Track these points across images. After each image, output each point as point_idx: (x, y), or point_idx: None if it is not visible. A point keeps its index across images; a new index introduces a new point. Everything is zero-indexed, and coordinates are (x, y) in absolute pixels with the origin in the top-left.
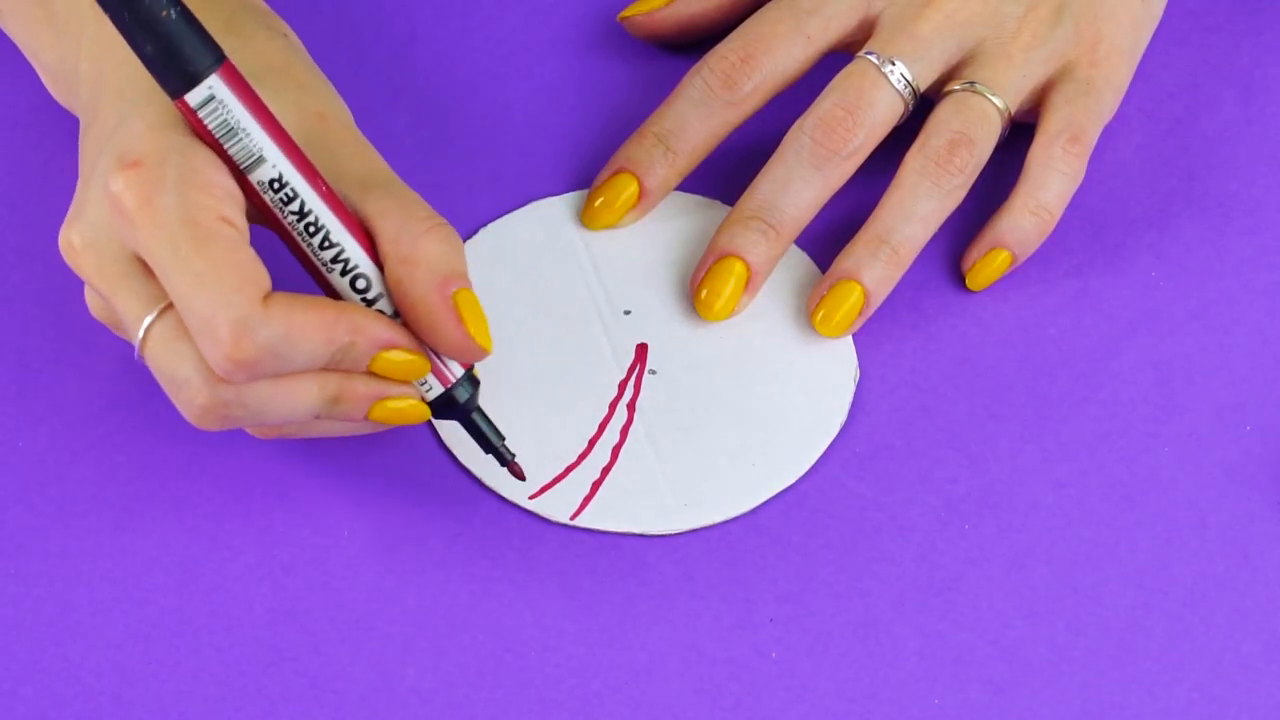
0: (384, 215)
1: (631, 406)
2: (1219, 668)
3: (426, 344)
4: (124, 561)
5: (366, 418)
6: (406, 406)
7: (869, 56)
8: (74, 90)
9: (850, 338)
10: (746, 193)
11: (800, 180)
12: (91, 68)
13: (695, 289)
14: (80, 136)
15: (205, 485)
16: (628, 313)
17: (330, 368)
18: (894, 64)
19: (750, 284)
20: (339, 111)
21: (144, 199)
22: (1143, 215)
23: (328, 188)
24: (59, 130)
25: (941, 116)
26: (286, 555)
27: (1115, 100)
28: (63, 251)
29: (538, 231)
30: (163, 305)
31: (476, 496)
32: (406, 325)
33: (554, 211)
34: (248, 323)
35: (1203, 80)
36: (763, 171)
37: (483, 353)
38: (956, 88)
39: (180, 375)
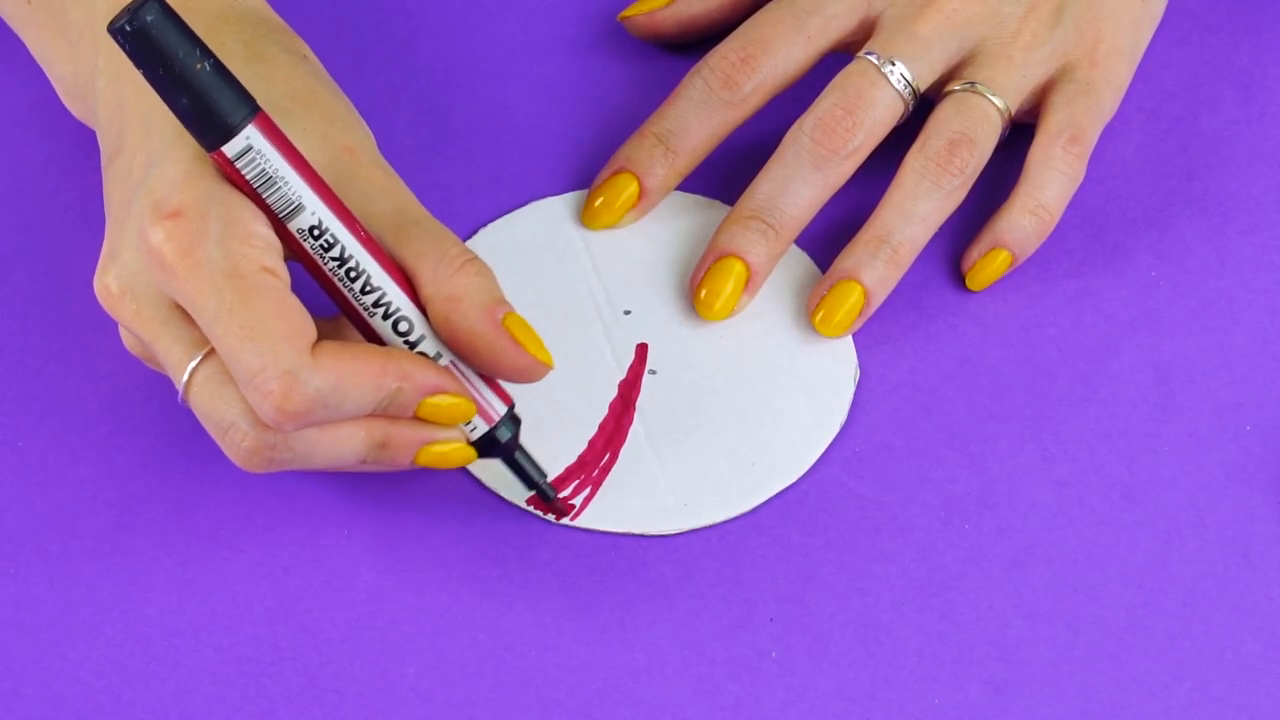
0: (420, 256)
1: (632, 406)
2: (1219, 668)
3: (486, 374)
4: (124, 561)
5: (412, 463)
6: (452, 450)
7: (869, 56)
8: (88, 106)
9: (850, 338)
10: (746, 192)
11: (800, 180)
12: (110, 88)
13: (695, 289)
14: (104, 166)
15: (205, 485)
16: (628, 313)
17: (377, 414)
18: (894, 64)
19: (750, 284)
20: (365, 141)
21: (185, 250)
22: (1143, 215)
23: (365, 232)
24: (59, 130)
25: (942, 117)
26: (286, 555)
27: (1115, 100)
28: (99, 296)
29: (538, 231)
30: (205, 350)
31: (477, 496)
32: (462, 359)
33: (554, 211)
34: (297, 374)
35: (1203, 80)
36: (763, 171)
37: (545, 369)
38: (957, 88)
39: (226, 419)
